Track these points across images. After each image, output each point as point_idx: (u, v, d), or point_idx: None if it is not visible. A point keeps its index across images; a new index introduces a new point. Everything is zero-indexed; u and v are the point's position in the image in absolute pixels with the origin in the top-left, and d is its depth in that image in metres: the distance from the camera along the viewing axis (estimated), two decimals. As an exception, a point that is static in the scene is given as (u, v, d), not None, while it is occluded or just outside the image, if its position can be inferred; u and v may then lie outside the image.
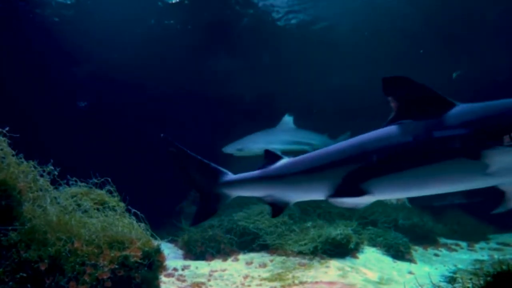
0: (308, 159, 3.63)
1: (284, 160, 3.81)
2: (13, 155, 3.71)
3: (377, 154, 3.12)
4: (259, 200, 3.91)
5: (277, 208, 3.82)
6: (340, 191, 3.29)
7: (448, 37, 10.95)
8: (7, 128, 3.71)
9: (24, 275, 3.43)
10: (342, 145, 3.46)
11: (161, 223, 9.22)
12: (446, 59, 11.25)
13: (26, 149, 3.86)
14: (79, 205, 4.24)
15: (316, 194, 3.52)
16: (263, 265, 6.83)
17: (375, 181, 3.16)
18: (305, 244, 7.13)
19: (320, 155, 3.53)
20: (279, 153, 8.81)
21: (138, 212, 4.36)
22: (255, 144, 9.27)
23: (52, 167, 4.00)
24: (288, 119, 10.22)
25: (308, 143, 9.88)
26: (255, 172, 3.85)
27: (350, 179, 3.22)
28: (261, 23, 11.04)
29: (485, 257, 7.90)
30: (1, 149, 3.64)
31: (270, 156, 3.88)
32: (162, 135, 3.94)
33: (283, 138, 9.67)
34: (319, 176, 3.44)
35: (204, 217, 4.27)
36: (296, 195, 3.78)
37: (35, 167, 3.88)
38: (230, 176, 3.97)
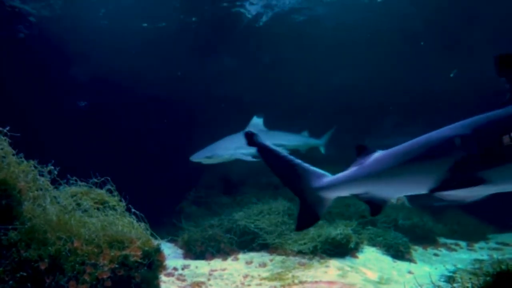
0: (408, 149, 3.16)
1: (379, 153, 3.42)
2: (13, 155, 3.71)
3: (503, 135, 2.61)
4: (357, 198, 3.54)
5: (375, 206, 3.46)
6: (450, 182, 2.85)
7: (448, 37, 10.95)
8: (7, 128, 3.71)
9: (24, 274, 3.44)
10: (450, 128, 2.97)
11: (161, 222, 9.22)
12: (446, 59, 11.26)
13: (26, 148, 3.86)
14: (79, 205, 4.24)
15: (419, 188, 3.12)
16: (263, 265, 6.83)
17: (497, 169, 2.67)
18: (305, 243, 7.13)
19: (425, 142, 3.07)
20: (250, 158, 8.41)
21: (138, 212, 4.35)
22: (224, 150, 8.85)
23: (52, 167, 4.00)
24: (257, 121, 9.77)
25: (281, 144, 9.49)
26: (352, 170, 3.53)
27: (464, 166, 2.77)
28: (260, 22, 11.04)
29: (485, 257, 7.90)
30: (1, 149, 3.64)
31: (363, 150, 3.52)
32: (247, 131, 3.82)
33: None
34: (424, 167, 3.00)
35: (307, 224, 4.03)
36: (395, 191, 3.42)
37: (35, 167, 3.88)
38: (328, 177, 3.68)
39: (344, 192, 3.63)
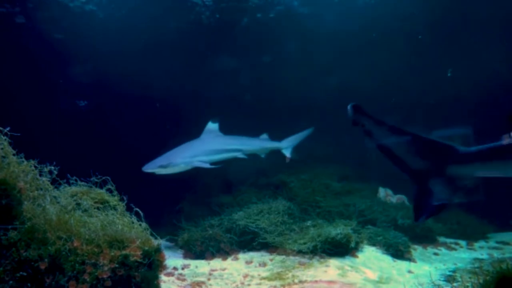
0: None
1: None
2: (13, 155, 3.71)
3: None
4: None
5: None
6: None
7: (448, 37, 10.96)
8: (8, 128, 3.72)
9: (24, 274, 3.44)
10: None
11: (161, 222, 9.24)
12: (446, 59, 11.27)
13: (27, 149, 3.86)
14: (79, 204, 4.24)
15: None
16: (263, 264, 6.84)
17: None
18: (305, 243, 7.13)
19: None
20: (207, 165, 7.80)
21: (139, 211, 4.35)
22: (180, 159, 8.38)
23: (52, 167, 4.01)
24: (212, 127, 9.38)
25: (239, 149, 9.33)
26: None
27: None
28: (260, 21, 11.02)
29: (485, 256, 7.92)
30: (1, 148, 3.64)
31: None
32: (351, 104, 3.21)
33: (210, 148, 8.91)
34: None
35: (425, 212, 3.26)
36: None
37: (35, 167, 3.89)
38: (466, 150, 2.90)
39: (494, 171, 2.80)
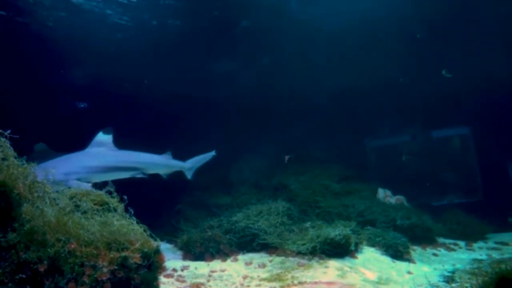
0: None
1: None
2: (14, 157, 3.72)
3: None
4: None
5: None
6: None
7: (447, 39, 10.98)
8: (8, 131, 3.72)
9: (24, 276, 3.43)
10: None
11: (160, 223, 9.24)
12: (445, 60, 11.29)
13: (27, 150, 3.87)
14: (78, 206, 4.24)
15: None
16: (262, 266, 6.84)
17: None
18: (304, 244, 7.13)
19: None
20: (88, 186, 6.05)
21: (137, 213, 4.35)
22: (49, 175, 6.72)
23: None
24: (103, 139, 7.56)
25: (136, 168, 7.86)
26: None
27: None
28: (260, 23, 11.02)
29: (484, 257, 7.92)
30: (1, 151, 3.65)
31: None
32: None
33: (95, 164, 7.17)
34: None
35: None
36: None
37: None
38: None
39: None
